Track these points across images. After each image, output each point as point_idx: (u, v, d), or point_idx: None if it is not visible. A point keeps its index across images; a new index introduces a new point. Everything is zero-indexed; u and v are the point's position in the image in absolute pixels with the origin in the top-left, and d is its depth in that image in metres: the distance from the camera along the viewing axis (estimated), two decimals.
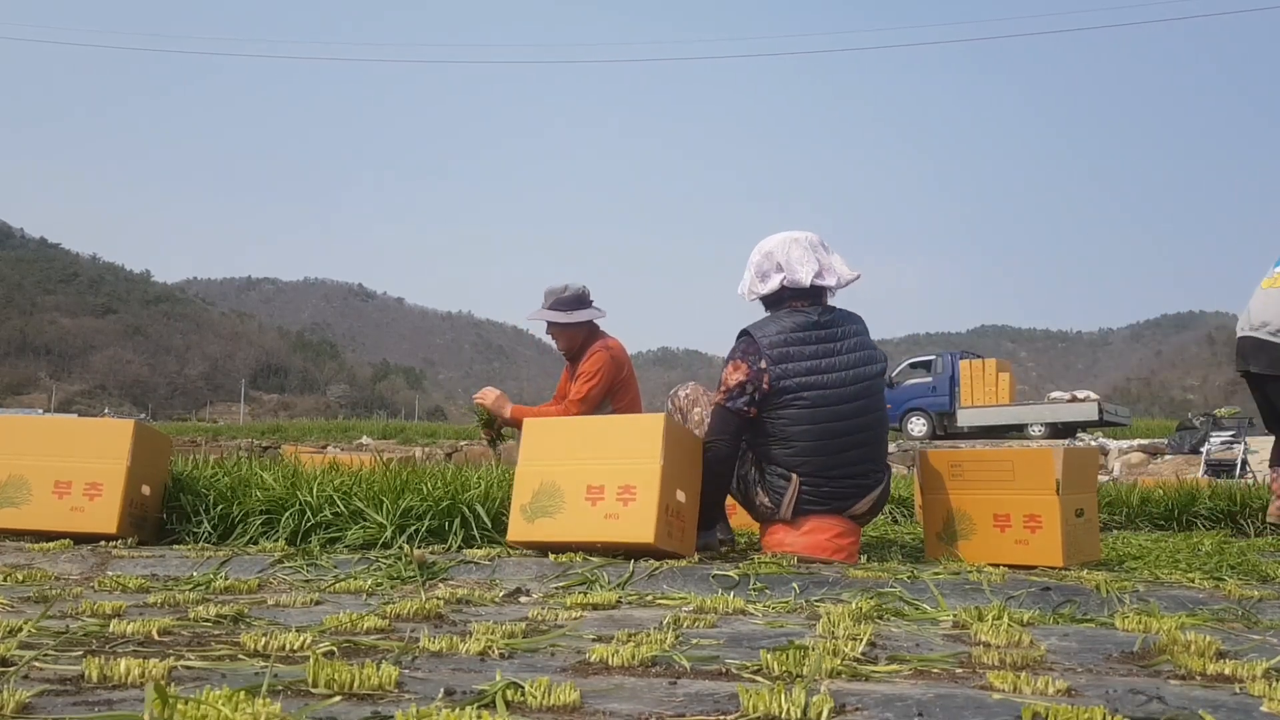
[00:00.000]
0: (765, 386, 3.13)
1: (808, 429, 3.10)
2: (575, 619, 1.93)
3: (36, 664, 1.36)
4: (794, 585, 2.44)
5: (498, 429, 4.72)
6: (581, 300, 4.77)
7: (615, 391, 4.65)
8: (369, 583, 2.42)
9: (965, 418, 23.93)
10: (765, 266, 3.27)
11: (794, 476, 3.11)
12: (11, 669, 1.31)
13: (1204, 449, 16.84)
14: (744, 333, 3.23)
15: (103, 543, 3.07)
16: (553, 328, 4.78)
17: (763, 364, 3.14)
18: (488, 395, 4.68)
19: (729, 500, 3.37)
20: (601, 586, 2.44)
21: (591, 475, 2.90)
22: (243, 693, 1.08)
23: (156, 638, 1.60)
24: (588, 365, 4.63)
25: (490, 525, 3.19)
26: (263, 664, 1.39)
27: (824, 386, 3.13)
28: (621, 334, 4.73)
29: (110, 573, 2.58)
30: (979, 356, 26.00)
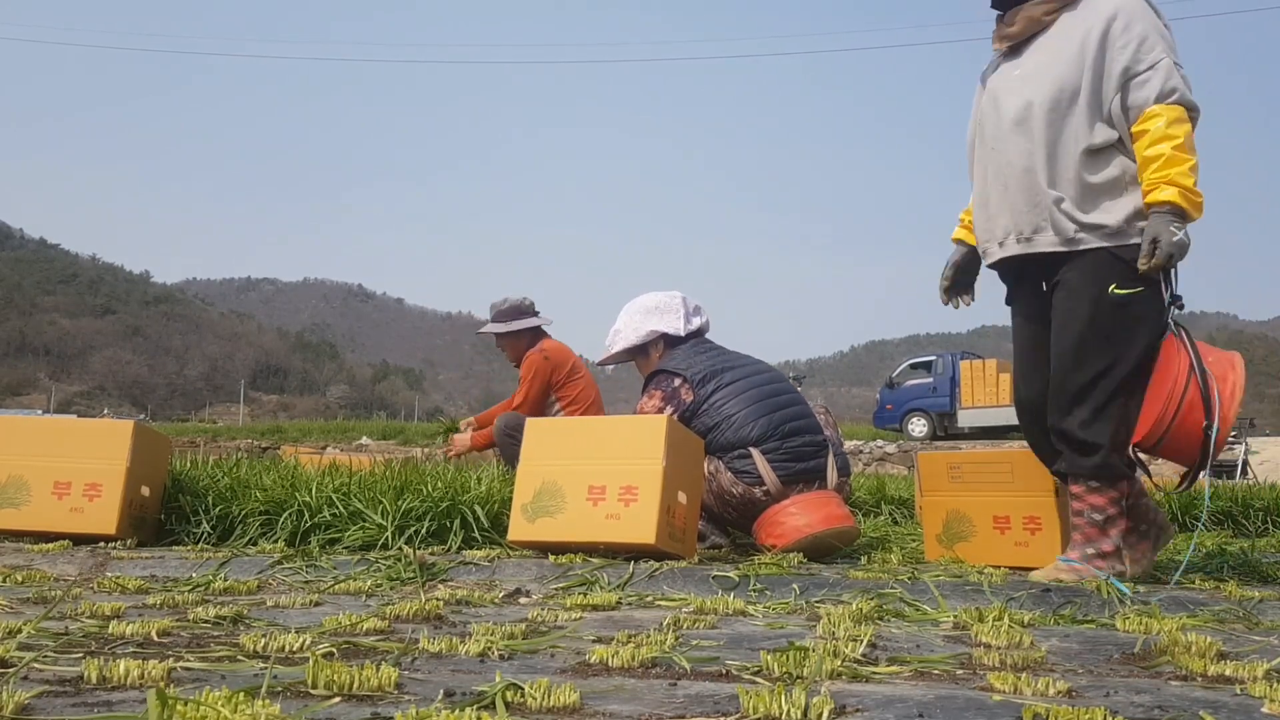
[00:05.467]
0: (687, 396, 3.43)
1: (742, 396, 3.38)
2: (575, 620, 1.93)
3: (36, 665, 1.36)
4: (794, 586, 2.44)
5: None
6: (520, 311, 5.19)
7: (558, 387, 5.09)
8: (369, 584, 2.42)
9: (966, 418, 23.93)
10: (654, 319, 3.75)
11: (751, 450, 3.27)
12: (11, 670, 1.31)
13: None
14: (651, 375, 3.61)
15: (102, 544, 3.06)
16: (501, 340, 5.18)
17: (676, 382, 3.47)
18: (462, 444, 5.22)
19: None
20: (601, 587, 2.43)
21: (593, 475, 2.90)
22: (242, 694, 1.08)
23: (156, 639, 1.60)
24: (523, 370, 5.08)
25: (490, 526, 3.19)
26: (262, 665, 1.39)
27: (739, 365, 3.52)
28: None
29: (109, 574, 2.58)
30: (980, 357, 25.99)
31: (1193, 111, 2.64)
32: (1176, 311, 2.66)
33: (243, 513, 3.31)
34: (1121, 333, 2.62)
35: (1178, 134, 2.57)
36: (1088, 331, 2.62)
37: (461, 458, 5.21)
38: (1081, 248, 2.66)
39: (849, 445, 20.75)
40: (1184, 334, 2.63)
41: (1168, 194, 2.54)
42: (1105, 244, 2.64)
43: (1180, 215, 2.56)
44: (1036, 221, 2.70)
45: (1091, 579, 2.49)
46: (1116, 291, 2.60)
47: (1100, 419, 2.61)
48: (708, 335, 3.82)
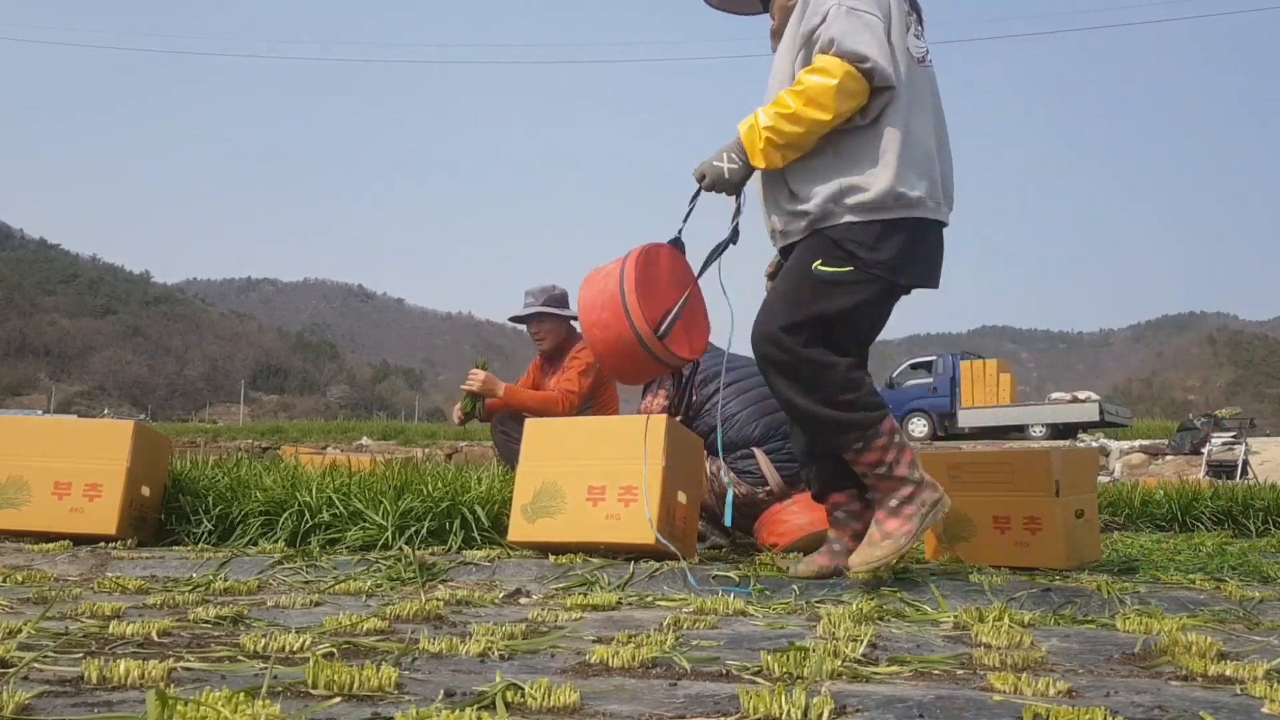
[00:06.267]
0: (691, 395, 3.45)
1: (743, 396, 3.40)
2: (575, 620, 1.93)
3: (36, 665, 1.36)
4: (794, 587, 2.44)
5: (481, 414, 4.80)
6: (567, 302, 4.95)
7: (597, 388, 4.85)
8: (369, 584, 2.42)
9: (966, 418, 23.94)
10: None
11: (755, 450, 3.24)
12: (11, 670, 1.31)
13: (1205, 450, 16.85)
14: None
15: (102, 544, 3.06)
16: (543, 325, 4.93)
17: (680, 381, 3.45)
18: (479, 379, 4.72)
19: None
20: (601, 587, 2.43)
21: (593, 475, 2.90)
22: (242, 694, 1.08)
23: (156, 639, 1.60)
24: (580, 358, 4.78)
25: (490, 526, 3.19)
26: (262, 665, 1.39)
27: (740, 366, 3.51)
28: None
29: (110, 574, 2.58)
30: (980, 357, 26.03)
31: (860, 63, 2.31)
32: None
33: (243, 513, 3.31)
34: (818, 305, 2.43)
35: (803, 82, 2.34)
36: (790, 306, 2.46)
37: (472, 412, 4.71)
38: (796, 239, 2.51)
39: None
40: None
41: (740, 124, 2.44)
42: (819, 227, 2.46)
43: (739, 150, 2.43)
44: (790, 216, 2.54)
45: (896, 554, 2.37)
46: (820, 269, 2.43)
47: (815, 389, 2.42)
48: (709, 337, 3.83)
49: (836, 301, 2.42)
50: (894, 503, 2.42)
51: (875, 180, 2.39)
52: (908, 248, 2.43)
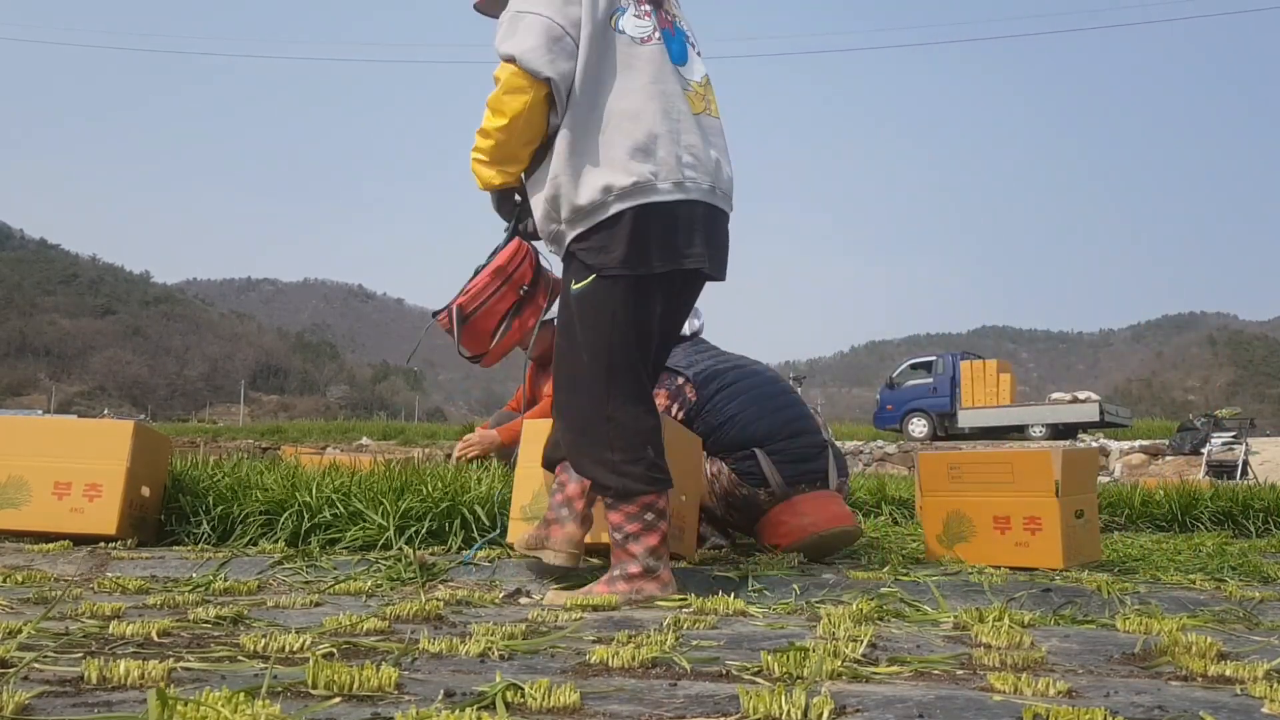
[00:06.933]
0: (690, 395, 3.40)
1: (744, 396, 3.36)
2: (575, 620, 1.93)
3: (36, 665, 1.36)
4: (794, 586, 2.44)
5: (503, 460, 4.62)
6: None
7: None
8: (369, 584, 2.42)
9: (966, 419, 23.95)
10: None
11: (755, 451, 3.25)
12: (11, 670, 1.31)
13: (1205, 450, 16.86)
14: None
15: (102, 544, 3.06)
16: (543, 329, 4.85)
17: (679, 380, 3.44)
18: (474, 445, 4.58)
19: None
20: None
21: None
22: (242, 694, 1.08)
23: (156, 639, 1.60)
24: None
25: (490, 527, 3.18)
26: (262, 665, 1.39)
27: (739, 366, 3.50)
28: None
29: (110, 574, 2.58)
30: (980, 357, 26.07)
31: (510, 60, 2.29)
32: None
33: (243, 513, 3.31)
34: (587, 333, 2.37)
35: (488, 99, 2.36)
36: (571, 345, 2.43)
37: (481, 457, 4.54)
38: (551, 250, 2.52)
39: (849, 446, 20.79)
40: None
41: None
42: (564, 245, 2.41)
43: None
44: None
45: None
46: (575, 288, 2.38)
47: (570, 433, 2.44)
48: (703, 336, 3.82)
49: (601, 318, 2.34)
50: (617, 573, 2.34)
51: (580, 181, 2.32)
52: (636, 237, 2.31)
